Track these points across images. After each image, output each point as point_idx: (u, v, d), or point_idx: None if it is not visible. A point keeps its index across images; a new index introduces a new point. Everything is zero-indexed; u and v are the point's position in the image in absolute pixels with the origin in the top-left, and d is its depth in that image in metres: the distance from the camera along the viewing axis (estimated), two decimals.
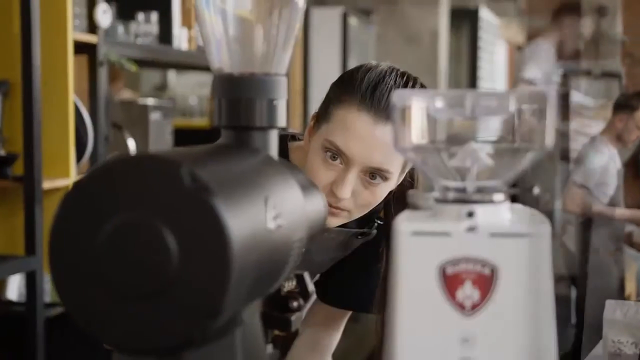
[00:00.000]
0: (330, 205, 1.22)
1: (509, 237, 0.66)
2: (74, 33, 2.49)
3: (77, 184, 0.61)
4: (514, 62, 9.75)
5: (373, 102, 1.21)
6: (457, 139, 0.71)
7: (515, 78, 4.42)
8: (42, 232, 2.32)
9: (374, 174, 1.22)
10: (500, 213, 0.69)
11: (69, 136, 2.46)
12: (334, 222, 1.27)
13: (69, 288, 0.61)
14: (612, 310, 1.92)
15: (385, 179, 1.23)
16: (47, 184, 2.38)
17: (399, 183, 1.31)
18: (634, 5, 5.17)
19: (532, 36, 9.63)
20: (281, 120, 0.81)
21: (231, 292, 0.60)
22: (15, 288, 2.59)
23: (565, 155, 4.71)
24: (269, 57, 0.80)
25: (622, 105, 4.23)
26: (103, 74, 2.63)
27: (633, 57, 9.09)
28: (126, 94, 3.95)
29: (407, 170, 1.30)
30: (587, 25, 4.37)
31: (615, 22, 8.91)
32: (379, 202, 1.27)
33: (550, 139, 0.68)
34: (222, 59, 0.80)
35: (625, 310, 1.89)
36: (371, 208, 1.28)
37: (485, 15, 7.31)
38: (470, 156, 0.69)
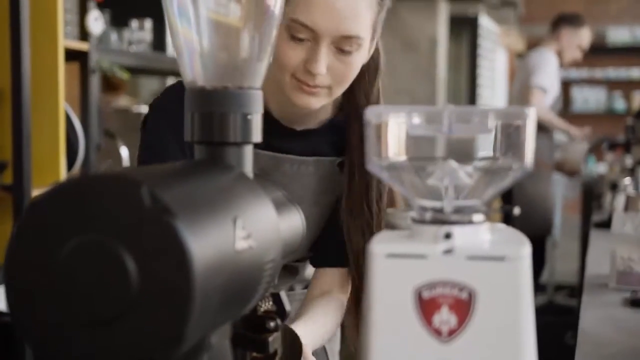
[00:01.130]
0: (308, 85, 1.21)
1: (488, 260, 0.63)
2: (65, 40, 2.47)
3: (34, 203, 0.59)
4: (514, 69, 9.74)
5: None
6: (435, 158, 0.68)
7: (521, 85, 4.40)
8: None
9: (345, 43, 1.19)
10: (479, 234, 0.66)
11: (60, 144, 2.44)
12: (315, 102, 1.24)
13: (24, 311, 0.59)
14: (621, 223, 1.79)
15: (357, 46, 1.20)
16: (36, 193, 2.35)
17: (370, 54, 1.28)
18: None
19: (532, 44, 9.63)
20: (256, 136, 0.78)
21: (194, 318, 0.57)
22: (3, 298, 2.57)
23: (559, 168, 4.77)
24: (243, 69, 0.78)
25: (568, 21, 4.36)
26: (94, 81, 2.61)
27: None
28: (124, 101, 3.93)
29: (377, 38, 1.28)
30: (585, 36, 4.40)
31: None
32: (355, 72, 1.24)
33: (530, 158, 0.65)
34: (194, 72, 0.78)
35: (637, 223, 1.75)
36: (349, 82, 1.25)
37: (485, 22, 7.29)
38: (448, 175, 0.67)
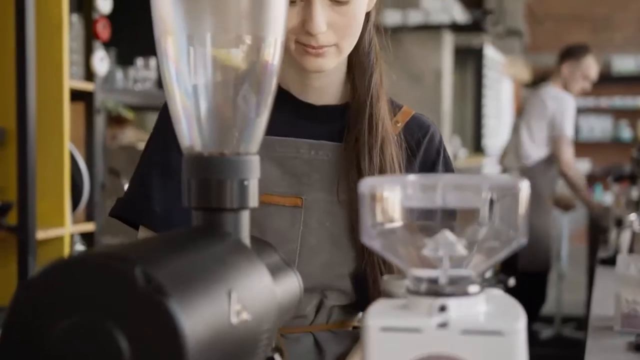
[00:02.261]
0: (312, 47, 1.14)
1: (483, 334, 0.63)
2: (71, 81, 2.48)
3: (27, 283, 0.59)
4: (520, 99, 9.76)
5: None
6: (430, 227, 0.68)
7: (548, 130, 4.31)
8: None
9: None
10: (474, 306, 0.66)
11: (65, 185, 2.44)
12: (325, 62, 1.16)
13: None
14: (625, 264, 1.76)
15: None
16: (41, 234, 2.35)
17: (373, 1, 1.23)
18: None
19: (537, 73, 9.66)
20: (253, 201, 0.78)
21: None
22: None
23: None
24: (240, 135, 0.78)
25: (569, 54, 4.37)
26: (100, 121, 2.62)
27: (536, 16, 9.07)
28: (131, 133, 3.95)
29: None
30: (590, 66, 4.42)
31: None
32: (360, 22, 1.17)
33: (524, 232, 0.65)
34: (192, 138, 0.78)
35: None
36: (357, 34, 1.17)
37: (490, 53, 7.32)
38: (443, 246, 0.67)
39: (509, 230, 0.66)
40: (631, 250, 2.70)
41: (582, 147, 9.93)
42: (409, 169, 1.24)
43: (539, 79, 9.74)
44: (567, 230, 5.83)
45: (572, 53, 4.40)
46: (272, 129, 1.23)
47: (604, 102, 9.81)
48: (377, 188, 0.67)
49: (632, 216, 2.96)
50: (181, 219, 1.11)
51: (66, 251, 2.46)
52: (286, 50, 1.17)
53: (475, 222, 0.68)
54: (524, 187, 0.65)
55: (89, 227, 2.64)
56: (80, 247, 2.72)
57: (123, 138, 3.75)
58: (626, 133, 9.77)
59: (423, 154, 1.27)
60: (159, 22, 0.76)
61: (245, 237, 0.77)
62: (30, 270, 2.27)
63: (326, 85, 1.26)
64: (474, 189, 0.66)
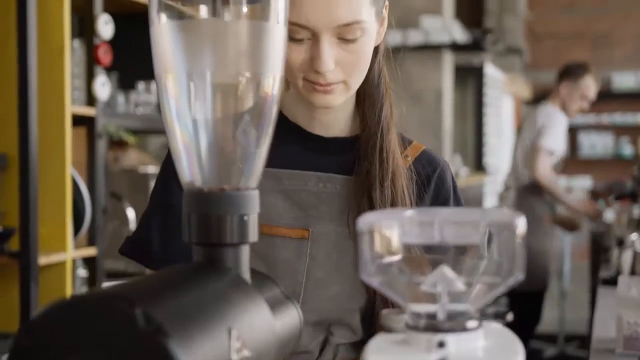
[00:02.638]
0: (320, 85, 1.13)
1: None
2: (73, 106, 2.50)
3: (29, 324, 0.59)
4: (520, 116, 9.78)
5: None
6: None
7: (528, 144, 4.36)
8: (37, 309, 2.29)
9: (347, 32, 1.11)
10: (473, 341, 0.66)
11: (66, 210, 2.45)
12: (334, 99, 1.16)
13: None
14: (626, 286, 1.75)
15: (361, 31, 1.12)
16: (43, 260, 2.36)
17: (382, 34, 1.21)
18: None
19: (538, 90, 9.69)
20: (253, 235, 0.79)
21: None
22: None
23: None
24: (240, 171, 0.79)
25: (567, 74, 4.36)
26: (101, 146, 2.63)
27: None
28: (133, 155, 3.96)
29: (385, 13, 1.20)
30: (588, 85, 4.42)
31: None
32: (368, 58, 1.16)
33: (521, 267, 0.65)
34: (192, 174, 0.79)
35: None
36: (365, 70, 1.16)
37: (490, 71, 7.34)
38: (441, 282, 0.67)
39: (507, 265, 0.67)
40: (633, 270, 2.70)
41: (584, 164, 9.95)
42: (419, 203, 1.24)
43: (539, 97, 9.77)
44: (569, 247, 5.83)
45: (570, 73, 4.41)
46: (281, 161, 1.24)
47: (605, 118, 9.83)
48: (375, 224, 0.67)
49: (634, 236, 2.95)
50: (180, 257, 1.13)
51: (68, 276, 2.46)
52: (294, 85, 1.18)
53: (473, 257, 0.68)
54: (521, 223, 0.65)
55: (91, 251, 2.65)
56: (82, 271, 2.72)
57: (125, 160, 3.76)
58: (627, 149, 9.79)
59: (434, 190, 1.26)
60: (159, 60, 0.77)
61: (245, 271, 0.78)
62: (32, 296, 2.27)
63: (335, 118, 1.25)
64: (472, 225, 0.66)
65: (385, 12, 1.20)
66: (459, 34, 5.46)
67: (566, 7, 9.88)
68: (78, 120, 2.56)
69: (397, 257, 0.68)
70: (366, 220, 0.68)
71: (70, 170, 2.46)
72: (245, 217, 0.77)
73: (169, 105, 0.78)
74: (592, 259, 5.26)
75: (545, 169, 4.26)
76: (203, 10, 0.80)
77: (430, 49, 5.26)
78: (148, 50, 0.80)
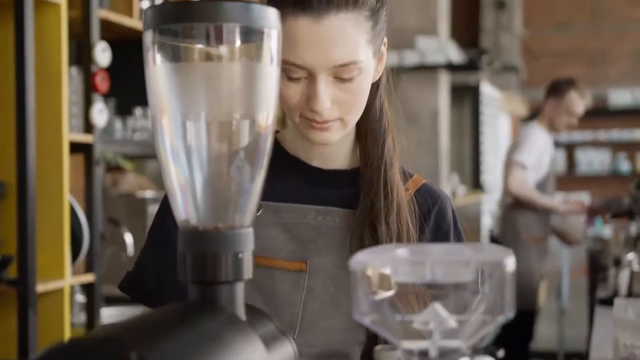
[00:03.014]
0: (317, 122, 1.14)
1: None
2: (70, 134, 2.51)
3: None
4: (517, 134, 9.81)
5: (306, 1, 1.10)
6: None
7: (507, 158, 4.44)
8: (35, 337, 2.29)
9: (343, 72, 1.11)
10: None
11: (64, 238, 2.46)
12: (330, 136, 1.16)
13: None
14: (623, 309, 1.75)
15: (357, 70, 1.12)
16: (41, 287, 2.36)
17: (380, 71, 1.21)
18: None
19: (534, 108, 9.72)
20: (247, 272, 0.80)
21: None
22: None
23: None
24: (234, 209, 0.80)
25: (552, 91, 4.37)
26: (99, 172, 2.65)
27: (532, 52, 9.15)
28: (132, 179, 3.97)
29: (383, 51, 1.20)
30: (573, 100, 4.42)
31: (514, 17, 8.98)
32: (365, 96, 1.16)
33: (511, 305, 0.66)
34: (187, 212, 0.80)
35: (638, 310, 1.72)
36: (362, 107, 1.16)
37: (487, 89, 7.37)
38: (433, 319, 0.68)
39: (498, 303, 0.68)
40: (630, 290, 2.70)
41: (581, 181, 9.97)
42: (420, 237, 1.24)
43: (535, 114, 9.81)
44: (567, 265, 5.83)
45: (554, 90, 4.42)
46: (281, 195, 1.25)
47: (602, 135, 9.86)
48: (368, 264, 0.68)
49: (630, 255, 2.95)
50: (174, 296, 1.14)
51: (66, 303, 2.46)
52: (292, 122, 1.18)
53: (465, 295, 0.69)
54: (510, 262, 0.67)
55: (89, 277, 2.65)
56: (80, 297, 2.73)
57: (124, 184, 3.77)
58: (625, 166, 9.81)
59: (434, 223, 1.27)
60: (154, 100, 0.78)
61: (240, 308, 0.78)
62: (30, 324, 2.28)
63: (334, 151, 1.25)
64: (463, 264, 0.68)
65: (384, 48, 1.20)
66: (455, 54, 5.49)
67: (561, 25, 9.94)
68: (76, 147, 2.57)
69: (389, 295, 0.69)
70: (359, 259, 0.69)
71: (68, 198, 2.47)
72: (240, 255, 0.78)
73: (164, 145, 0.79)
74: (590, 277, 5.27)
75: (516, 181, 4.25)
76: (197, 49, 0.82)
77: (426, 70, 5.29)
78: (145, 76, 0.81)
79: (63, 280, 2.45)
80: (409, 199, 1.25)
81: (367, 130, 1.25)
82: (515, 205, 4.32)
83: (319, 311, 1.19)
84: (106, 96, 2.77)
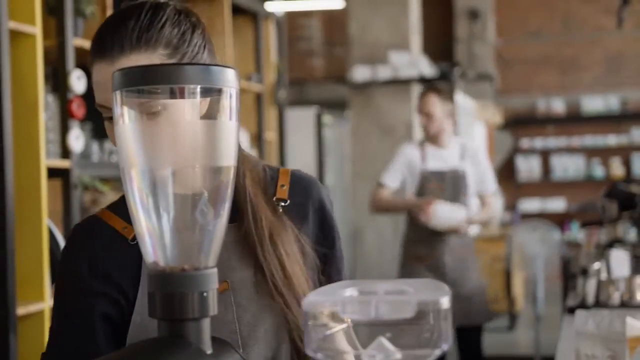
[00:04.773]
0: None
1: None
2: (48, 159, 2.57)
3: None
4: (494, 142, 9.93)
5: (103, 45, 1.16)
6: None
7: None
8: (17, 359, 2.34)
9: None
10: None
11: (43, 260, 2.51)
12: None
13: None
14: (584, 320, 1.82)
15: (163, 106, 1.10)
16: (21, 310, 2.41)
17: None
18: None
19: (509, 116, 9.84)
20: (213, 309, 0.87)
21: None
22: None
23: None
24: (199, 251, 0.87)
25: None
26: (76, 196, 2.70)
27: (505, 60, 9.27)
28: (111, 197, 4.00)
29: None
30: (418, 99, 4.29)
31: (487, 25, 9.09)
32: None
33: (447, 339, 0.74)
34: (156, 255, 0.87)
35: (598, 321, 1.78)
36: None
37: (461, 99, 7.47)
38: (380, 351, 0.75)
39: (436, 336, 0.75)
40: (597, 299, 2.78)
41: (557, 186, 10.12)
42: (302, 230, 1.29)
43: (510, 121, 9.97)
44: (542, 271, 5.93)
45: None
46: None
47: (576, 141, 10.01)
48: (318, 305, 0.75)
49: (597, 264, 3.02)
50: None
51: (46, 326, 2.52)
52: None
53: (407, 330, 0.77)
54: (445, 300, 0.74)
55: None
56: None
57: (103, 202, 3.82)
58: (599, 171, 9.97)
59: (314, 215, 1.32)
60: (123, 155, 0.85)
61: (207, 343, 0.85)
62: (11, 347, 2.33)
63: None
64: (404, 303, 0.75)
65: None
66: (427, 68, 5.59)
67: (534, 33, 10.08)
68: (53, 172, 2.63)
69: (338, 333, 0.77)
70: (310, 300, 0.76)
71: (46, 222, 2.53)
72: (205, 294, 0.85)
73: (133, 195, 0.86)
74: (563, 283, 5.36)
75: (372, 200, 4.14)
76: (162, 109, 0.88)
77: (400, 83, 5.38)
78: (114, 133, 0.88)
79: (43, 303, 2.51)
80: (286, 197, 1.29)
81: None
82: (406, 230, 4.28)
83: (252, 321, 1.24)
84: (82, 120, 2.82)
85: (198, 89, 0.84)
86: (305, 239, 1.29)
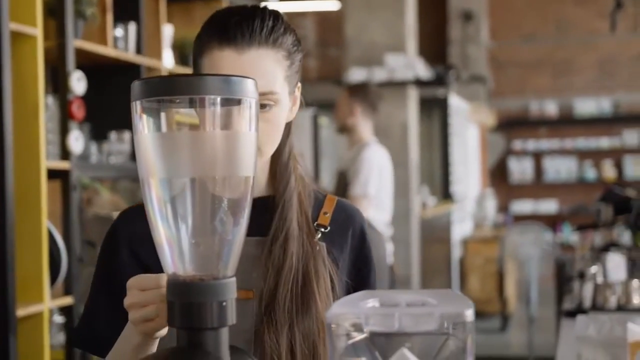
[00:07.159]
0: None
1: None
2: (48, 161, 2.56)
3: None
4: (487, 143, 9.95)
5: (231, 34, 1.18)
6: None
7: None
8: None
9: (262, 101, 1.15)
10: None
11: (43, 262, 2.50)
12: None
13: None
14: (585, 326, 1.82)
15: (274, 101, 1.19)
16: (21, 311, 2.41)
17: (295, 111, 1.27)
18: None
19: (502, 117, 9.85)
20: (231, 318, 0.87)
21: None
22: None
23: None
24: (218, 261, 0.87)
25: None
26: (75, 197, 2.70)
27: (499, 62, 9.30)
28: (107, 197, 3.99)
29: (297, 93, 1.27)
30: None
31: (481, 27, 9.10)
32: (281, 130, 1.22)
33: (472, 353, 0.74)
34: (175, 265, 0.87)
35: (599, 326, 1.79)
36: (278, 138, 1.22)
37: (455, 101, 7.49)
38: None
39: (460, 348, 0.75)
40: (594, 303, 2.79)
41: (549, 188, 10.13)
42: (339, 264, 1.29)
43: (503, 123, 9.99)
44: (536, 273, 5.94)
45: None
46: None
47: (569, 143, 10.03)
48: (341, 317, 0.76)
49: (594, 268, 3.02)
50: None
51: (46, 327, 2.51)
52: None
53: (429, 341, 0.77)
54: (469, 313, 0.74)
55: (67, 300, 2.70)
56: (58, 318, 2.77)
57: (98, 202, 3.81)
58: (591, 173, 9.99)
59: (352, 245, 1.32)
60: (142, 165, 0.86)
61: (225, 352, 0.86)
62: (11, 348, 2.32)
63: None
64: (427, 315, 0.75)
65: (297, 93, 1.28)
66: (423, 70, 5.59)
67: (528, 36, 10.10)
68: (53, 174, 2.62)
69: (361, 345, 0.77)
70: (333, 312, 0.76)
71: (46, 223, 2.52)
72: (224, 303, 0.86)
73: (152, 204, 0.86)
74: (557, 286, 5.38)
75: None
76: (181, 119, 0.89)
77: (396, 85, 5.38)
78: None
79: (42, 304, 2.50)
80: (327, 224, 1.29)
81: (277, 167, 1.29)
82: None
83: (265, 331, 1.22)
84: (81, 122, 2.82)
85: (218, 100, 0.84)
86: (335, 269, 1.28)
